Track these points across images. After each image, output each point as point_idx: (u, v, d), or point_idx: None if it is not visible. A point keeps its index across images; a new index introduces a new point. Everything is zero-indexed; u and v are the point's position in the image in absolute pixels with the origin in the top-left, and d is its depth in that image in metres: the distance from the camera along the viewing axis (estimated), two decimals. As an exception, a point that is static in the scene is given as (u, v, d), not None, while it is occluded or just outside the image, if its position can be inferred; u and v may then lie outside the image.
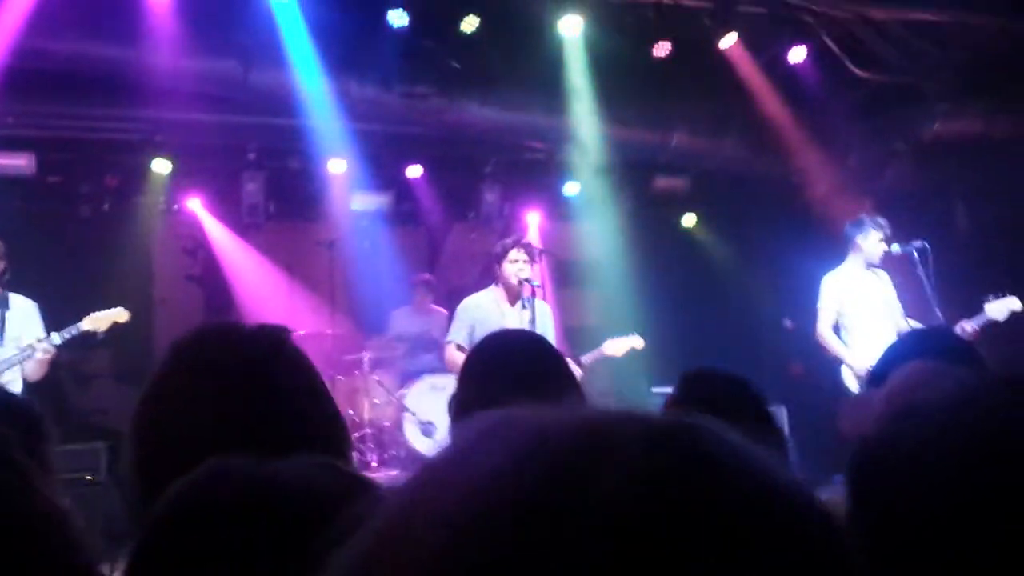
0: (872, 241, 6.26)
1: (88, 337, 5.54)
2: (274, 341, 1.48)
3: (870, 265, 6.33)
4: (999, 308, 5.97)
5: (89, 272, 7.65)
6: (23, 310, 5.41)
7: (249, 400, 1.37)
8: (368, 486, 1.05)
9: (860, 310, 6.28)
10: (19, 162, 7.60)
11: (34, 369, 5.24)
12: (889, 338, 5.93)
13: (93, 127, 7.87)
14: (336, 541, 0.51)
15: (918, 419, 1.00)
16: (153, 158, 8.06)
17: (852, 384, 6.15)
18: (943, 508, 0.89)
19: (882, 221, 6.33)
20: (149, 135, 7.92)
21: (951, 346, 2.28)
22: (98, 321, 5.49)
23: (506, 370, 2.04)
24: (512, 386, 1.96)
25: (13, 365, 5.17)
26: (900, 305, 6.35)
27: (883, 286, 6.37)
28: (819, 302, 6.37)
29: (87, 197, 8.43)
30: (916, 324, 6.11)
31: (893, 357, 2.30)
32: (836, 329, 6.34)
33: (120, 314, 5.60)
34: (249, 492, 0.99)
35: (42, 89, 7.06)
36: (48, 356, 5.22)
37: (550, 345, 2.16)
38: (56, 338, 5.27)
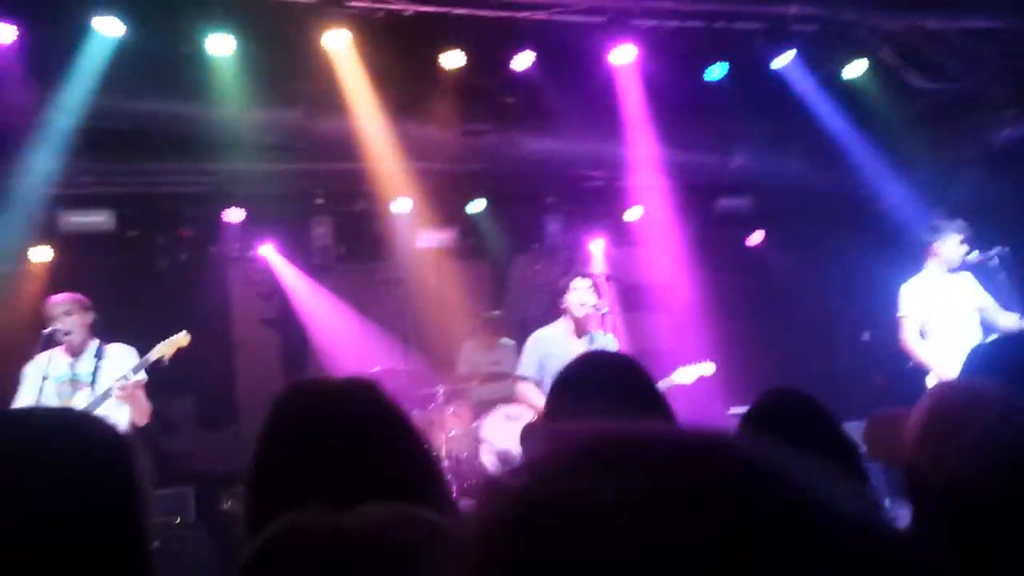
0: (950, 244, 6.12)
1: (162, 374, 5.68)
2: (366, 394, 1.55)
3: (951, 269, 6.18)
4: None
5: (169, 322, 7.82)
6: (119, 356, 5.59)
7: (348, 454, 1.44)
8: (442, 533, 1.09)
9: (942, 316, 6.12)
10: (98, 219, 7.90)
11: (134, 411, 5.39)
12: (974, 342, 5.78)
13: (167, 181, 8.12)
14: None
15: (993, 457, 0.99)
16: (225, 208, 8.31)
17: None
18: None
19: (961, 223, 6.20)
20: (220, 186, 8.16)
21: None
22: (162, 349, 5.63)
23: (596, 392, 2.04)
24: (603, 408, 1.98)
25: (97, 407, 5.32)
26: (992, 300, 6.15)
27: (966, 289, 6.20)
28: (900, 310, 6.21)
29: (164, 249, 8.67)
30: (1012, 316, 5.95)
31: (976, 362, 2.27)
32: (920, 336, 6.21)
33: (182, 338, 5.73)
34: (323, 544, 1.04)
35: (117, 147, 7.33)
36: (128, 392, 5.36)
37: (638, 365, 2.16)
38: (130, 374, 5.43)
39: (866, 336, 8.94)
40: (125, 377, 5.39)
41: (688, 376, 6.29)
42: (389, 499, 1.31)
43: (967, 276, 6.23)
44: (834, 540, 0.48)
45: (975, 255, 6.11)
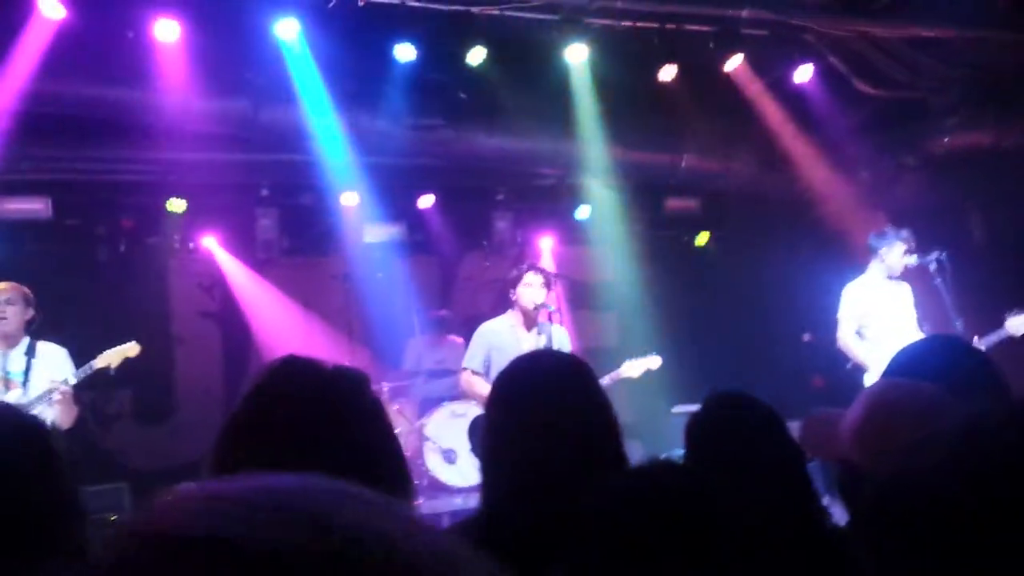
0: (896, 253, 6.28)
1: (102, 374, 5.54)
2: (355, 384, 1.51)
3: (892, 276, 6.33)
4: (1019, 323, 5.93)
5: (107, 313, 7.70)
6: (52, 357, 5.42)
7: (327, 439, 1.40)
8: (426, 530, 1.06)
9: (881, 320, 6.29)
10: (36, 206, 7.69)
11: (62, 413, 5.23)
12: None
13: (107, 169, 7.94)
14: None
15: (930, 453, 1.00)
16: (167, 198, 8.14)
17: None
18: (960, 549, 0.89)
19: (906, 233, 6.35)
20: (163, 176, 8.00)
21: (963, 361, 2.26)
22: (110, 357, 5.50)
23: (541, 390, 2.02)
24: (545, 407, 1.96)
25: (33, 409, 5.17)
26: (916, 316, 6.34)
27: (904, 297, 6.37)
28: (839, 311, 6.38)
29: (103, 239, 8.51)
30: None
31: (897, 369, 2.30)
32: (857, 338, 6.35)
33: (131, 348, 5.60)
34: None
35: (56, 133, 7.15)
36: (65, 397, 5.22)
37: (581, 361, 2.15)
38: (71, 378, 5.29)
39: (807, 337, 9.09)
40: (66, 382, 5.24)
41: (634, 369, 6.33)
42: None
43: (906, 286, 6.39)
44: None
45: (913, 259, 6.27)
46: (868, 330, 6.32)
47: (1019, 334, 5.91)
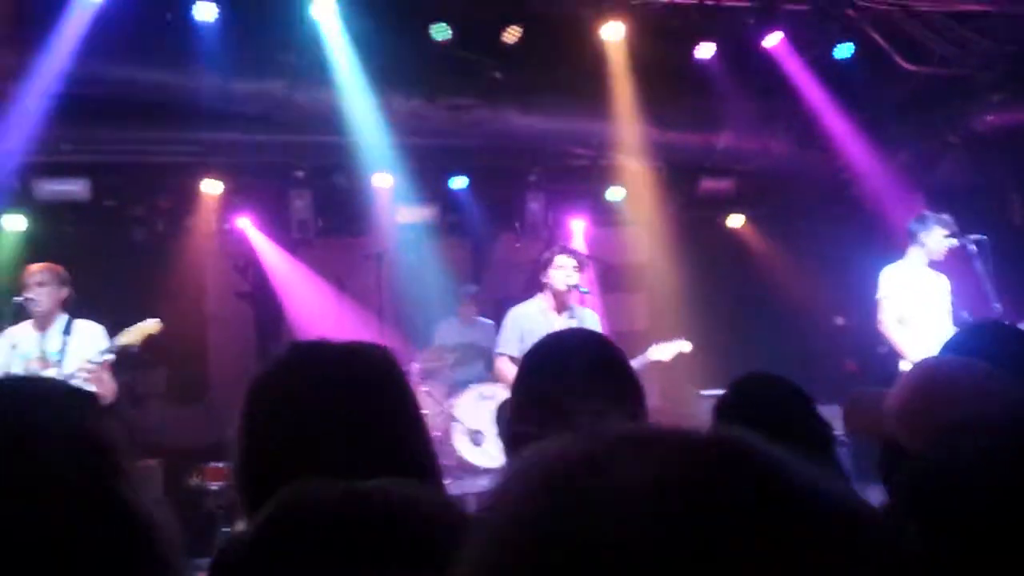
0: (936, 237, 6.12)
1: (130, 353, 5.57)
2: (385, 363, 1.50)
3: (932, 262, 6.20)
4: None
5: (143, 293, 7.77)
6: (89, 335, 5.47)
7: (355, 416, 1.38)
8: (458, 509, 1.05)
9: (919, 306, 6.14)
10: (74, 187, 7.76)
11: (99, 389, 5.26)
12: (942, 338, 5.80)
13: (145, 151, 8.00)
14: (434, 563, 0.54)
15: (975, 436, 0.97)
16: (203, 179, 8.19)
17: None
18: (1000, 528, 0.86)
19: (947, 217, 6.20)
20: (199, 157, 8.04)
21: (1013, 344, 2.22)
22: (131, 335, 5.50)
23: (566, 371, 1.99)
24: (573, 387, 1.92)
25: None
26: (951, 309, 6.21)
27: (942, 288, 6.23)
28: (879, 292, 6.21)
29: (141, 220, 8.57)
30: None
31: (954, 349, 2.26)
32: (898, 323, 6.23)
33: (152, 325, 5.57)
34: (336, 510, 0.99)
35: (95, 115, 7.19)
36: (94, 375, 5.26)
37: (611, 343, 2.11)
38: (96, 356, 5.33)
39: (840, 321, 8.99)
40: (92, 361, 5.29)
41: (664, 353, 6.28)
42: (388, 469, 1.27)
43: (944, 278, 6.26)
44: (822, 523, 0.51)
45: (953, 241, 6.14)
46: (906, 314, 6.20)
47: None
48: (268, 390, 1.45)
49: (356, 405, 1.40)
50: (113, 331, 5.58)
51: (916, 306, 6.16)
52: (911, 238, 6.23)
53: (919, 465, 1.03)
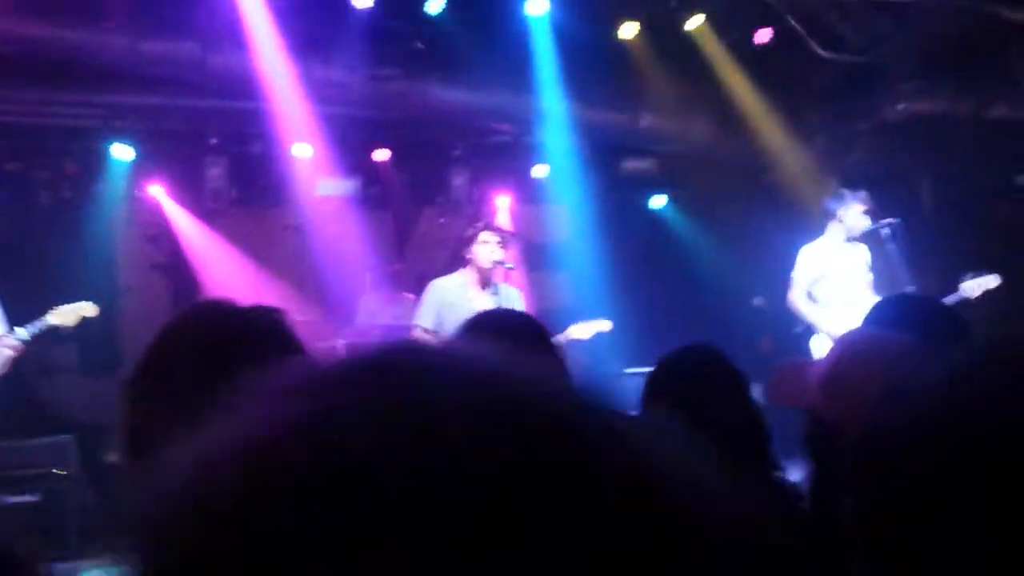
0: (854, 213, 6.28)
1: (54, 331, 5.40)
2: (271, 319, 1.44)
3: (851, 238, 6.35)
4: (973, 286, 5.99)
5: (51, 261, 7.52)
6: None
7: (231, 376, 1.32)
8: None
9: (837, 282, 6.29)
10: (-27, 150, 7.44)
11: None
12: (863, 310, 5.97)
13: (51, 112, 7.70)
14: None
15: (913, 403, 0.96)
16: (113, 144, 7.90)
17: (822, 351, 6.18)
18: (940, 495, 0.86)
19: (863, 194, 6.36)
20: (108, 120, 7.76)
21: (935, 316, 2.26)
22: (65, 315, 5.36)
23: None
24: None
25: None
26: (871, 280, 6.37)
27: (859, 259, 6.38)
28: (794, 271, 6.36)
29: (46, 184, 8.27)
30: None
31: (876, 322, 2.28)
32: (808, 300, 6.37)
33: (87, 308, 5.47)
34: None
35: (-3, 74, 6.90)
36: (14, 352, 5.08)
37: (539, 323, 2.10)
38: (23, 333, 5.14)
39: (758, 301, 9.17)
40: (19, 338, 5.09)
41: (584, 332, 6.32)
42: None
43: (863, 248, 6.41)
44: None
45: (867, 220, 6.30)
46: (820, 292, 6.35)
47: (974, 296, 5.97)
48: (158, 345, 1.43)
49: (244, 360, 1.35)
50: (18, 301, 5.37)
51: (831, 281, 6.30)
52: (829, 215, 6.37)
53: (853, 437, 1.02)
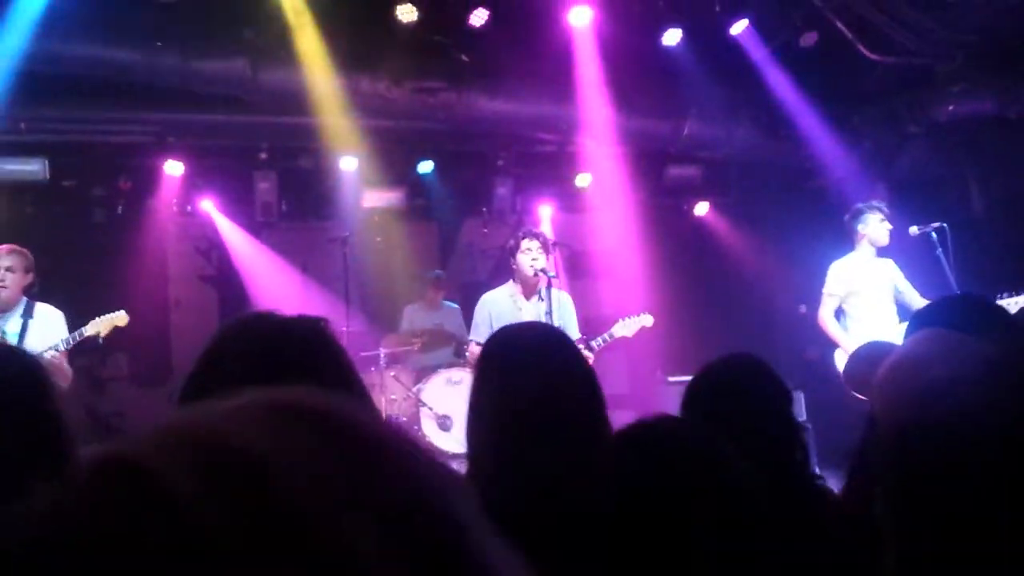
0: (873, 225, 6.27)
1: (91, 341, 5.54)
2: (314, 329, 1.48)
3: (879, 251, 6.33)
4: (1010, 304, 5.92)
5: (104, 276, 7.67)
6: (48, 319, 5.41)
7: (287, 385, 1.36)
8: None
9: (865, 297, 6.30)
10: (32, 167, 7.61)
11: (57, 377, 5.19)
12: (891, 327, 5.99)
13: (105, 130, 7.86)
14: None
15: (951, 401, 0.96)
16: (165, 160, 8.07)
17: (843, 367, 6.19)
18: (983, 490, 0.86)
19: (877, 203, 6.37)
20: (160, 137, 7.92)
21: (980, 315, 2.22)
22: (99, 325, 5.51)
23: (522, 358, 2.02)
24: (526, 378, 1.96)
25: None
26: (909, 286, 6.32)
27: (884, 274, 6.36)
28: (825, 287, 6.39)
29: (100, 201, 8.45)
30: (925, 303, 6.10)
31: (920, 323, 2.26)
32: (838, 315, 6.37)
33: (120, 318, 5.61)
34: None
35: (54, 94, 7.07)
36: (55, 362, 5.21)
37: (562, 336, 2.14)
38: (60, 344, 5.29)
39: (803, 309, 9.07)
40: (55, 348, 5.24)
41: (628, 329, 6.30)
42: None
43: (889, 262, 6.39)
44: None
45: (914, 229, 6.25)
46: (849, 306, 6.36)
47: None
48: (205, 357, 1.46)
49: (287, 371, 1.39)
50: (73, 315, 5.51)
51: (862, 299, 6.31)
52: (852, 234, 6.36)
53: (889, 432, 1.02)
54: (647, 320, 6.34)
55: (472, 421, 2.04)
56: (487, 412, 1.99)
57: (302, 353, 1.45)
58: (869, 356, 5.63)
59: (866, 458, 1.91)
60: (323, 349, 1.49)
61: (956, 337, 1.80)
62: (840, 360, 6.22)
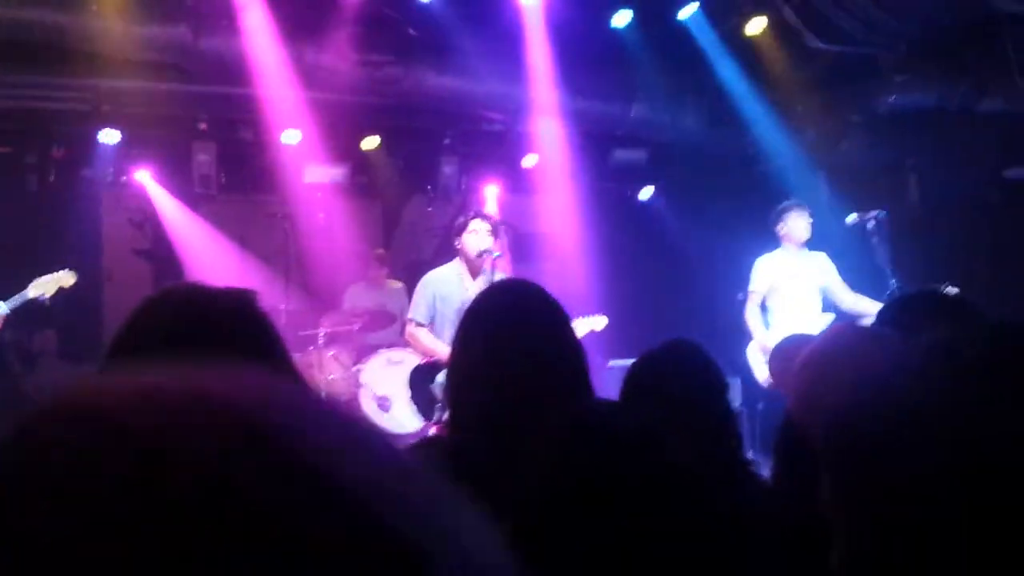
0: (792, 222, 6.40)
1: (35, 304, 5.35)
2: (240, 301, 1.43)
3: (802, 245, 6.43)
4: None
5: (36, 245, 7.46)
6: None
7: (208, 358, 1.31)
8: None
9: (786, 293, 6.42)
10: (-40, 132, 7.36)
11: None
12: (813, 320, 6.11)
13: (39, 96, 7.62)
14: None
15: (885, 388, 0.97)
16: (100, 129, 7.83)
17: (755, 360, 6.34)
18: (912, 485, 0.87)
19: (794, 200, 6.53)
20: (96, 105, 7.69)
21: (949, 309, 2.25)
22: (44, 286, 5.32)
23: (503, 320, 2.00)
24: (509, 337, 1.95)
25: None
26: (839, 280, 6.43)
27: (814, 267, 6.46)
28: (750, 284, 6.51)
29: (33, 168, 8.21)
30: (853, 296, 6.27)
31: (883, 321, 2.29)
32: (763, 309, 6.50)
33: (66, 277, 5.42)
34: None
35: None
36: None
37: (547, 296, 2.12)
38: (3, 306, 5.10)
39: (742, 296, 9.20)
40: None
41: (579, 329, 6.31)
42: None
43: (821, 256, 6.49)
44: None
45: (853, 217, 6.32)
46: (772, 301, 6.50)
47: None
48: (126, 329, 1.42)
49: (211, 343, 1.34)
50: (2, 283, 5.33)
51: (785, 294, 6.43)
52: (777, 235, 6.47)
53: (828, 420, 1.03)
54: (599, 323, 6.37)
55: (453, 379, 2.02)
56: (470, 371, 1.96)
57: (226, 326, 1.41)
58: (786, 351, 5.71)
59: (786, 448, 1.93)
60: (249, 322, 1.45)
61: (871, 334, 1.82)
62: (752, 355, 6.37)
